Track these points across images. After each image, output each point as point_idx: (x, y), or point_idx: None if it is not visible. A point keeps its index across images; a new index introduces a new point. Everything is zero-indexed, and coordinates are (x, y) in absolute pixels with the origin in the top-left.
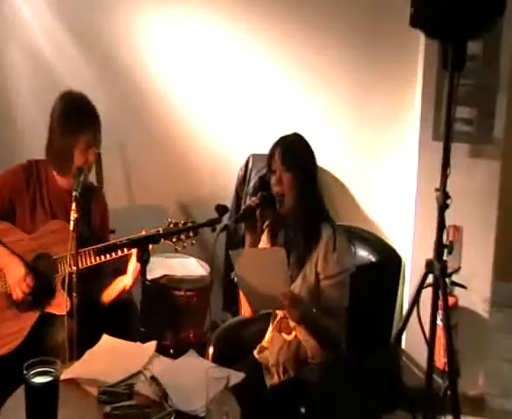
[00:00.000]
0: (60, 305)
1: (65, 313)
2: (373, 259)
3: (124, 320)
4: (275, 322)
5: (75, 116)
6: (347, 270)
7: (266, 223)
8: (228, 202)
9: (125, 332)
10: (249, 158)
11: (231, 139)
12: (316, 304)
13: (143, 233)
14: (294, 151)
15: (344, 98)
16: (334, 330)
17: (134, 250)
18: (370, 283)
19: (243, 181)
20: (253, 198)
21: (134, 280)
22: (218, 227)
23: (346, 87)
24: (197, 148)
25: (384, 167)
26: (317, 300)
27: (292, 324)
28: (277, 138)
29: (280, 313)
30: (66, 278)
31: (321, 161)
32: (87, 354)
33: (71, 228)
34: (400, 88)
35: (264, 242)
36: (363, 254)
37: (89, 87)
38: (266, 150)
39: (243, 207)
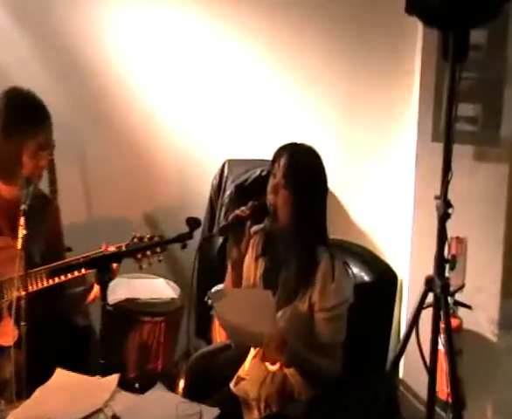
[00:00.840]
0: (7, 334)
1: (11, 344)
2: (366, 277)
3: (81, 351)
4: (257, 349)
5: (22, 115)
6: (346, 301)
7: (255, 228)
8: (200, 214)
9: (82, 364)
10: (224, 164)
11: (204, 142)
12: (308, 338)
13: (103, 250)
14: (300, 168)
15: (333, 96)
16: (328, 370)
17: (92, 271)
18: (363, 304)
19: (218, 190)
20: (243, 207)
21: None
22: (194, 240)
23: (335, 84)
24: (165, 153)
25: (377, 171)
26: (310, 334)
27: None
28: (287, 142)
29: None
30: (14, 304)
31: None
32: (39, 392)
33: (19, 246)
34: (395, 83)
35: (249, 257)
36: (355, 271)
37: (41, 85)
38: (243, 155)
39: (231, 216)
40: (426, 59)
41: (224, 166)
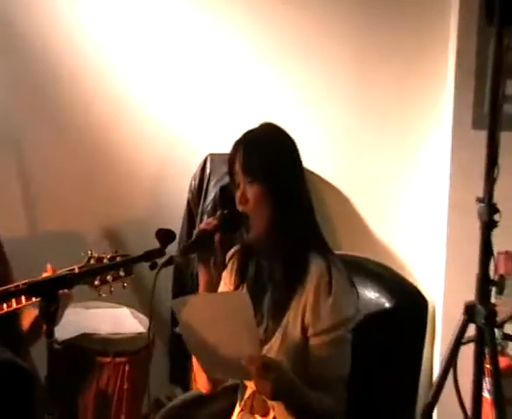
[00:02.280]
0: None
1: None
2: (387, 304)
3: (22, 402)
4: (245, 399)
5: None
6: (347, 322)
7: (231, 252)
8: (175, 224)
9: None
10: (206, 160)
11: (181, 133)
12: (301, 371)
13: (50, 273)
14: (260, 152)
15: (342, 75)
16: (326, 410)
17: (35, 300)
18: (383, 337)
19: (198, 193)
20: (209, 219)
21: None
22: (160, 262)
23: (344, 61)
24: (130, 149)
25: (401, 169)
26: (303, 366)
27: (270, 401)
28: (241, 134)
29: (251, 386)
30: None
31: (311, 163)
32: None
33: None
34: (424, 56)
35: (226, 282)
36: (372, 296)
37: None
38: (229, 148)
39: (195, 231)
40: (464, 24)
41: (205, 162)
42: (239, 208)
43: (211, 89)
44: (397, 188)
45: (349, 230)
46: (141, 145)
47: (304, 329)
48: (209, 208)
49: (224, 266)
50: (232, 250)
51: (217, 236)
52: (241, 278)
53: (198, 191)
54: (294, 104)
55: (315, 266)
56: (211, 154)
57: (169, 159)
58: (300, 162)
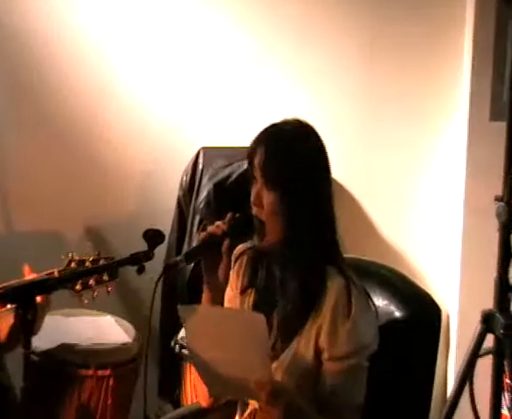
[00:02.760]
0: None
1: None
2: (397, 313)
3: None
4: (245, 416)
5: None
6: (365, 349)
7: (239, 249)
8: (165, 224)
9: None
10: (199, 154)
11: (171, 125)
12: (310, 392)
13: (27, 277)
14: (283, 159)
15: (351, 67)
16: None
17: (11, 306)
18: (393, 349)
19: (189, 190)
20: (218, 222)
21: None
22: (156, 261)
23: (353, 52)
24: (116, 142)
25: (413, 167)
26: (315, 390)
27: None
28: (265, 126)
29: (253, 404)
30: None
31: None
32: None
33: None
34: (438, 45)
35: (231, 284)
36: (381, 304)
37: None
38: (223, 141)
39: (201, 235)
40: (481, 9)
41: (198, 156)
42: (253, 209)
43: (204, 77)
44: (408, 188)
45: (357, 233)
46: (128, 137)
47: (318, 351)
48: (201, 206)
49: (227, 274)
50: (241, 247)
51: (225, 243)
52: (249, 282)
53: (190, 188)
54: (299, 98)
55: (333, 283)
56: (204, 148)
57: (158, 152)
58: (329, 169)
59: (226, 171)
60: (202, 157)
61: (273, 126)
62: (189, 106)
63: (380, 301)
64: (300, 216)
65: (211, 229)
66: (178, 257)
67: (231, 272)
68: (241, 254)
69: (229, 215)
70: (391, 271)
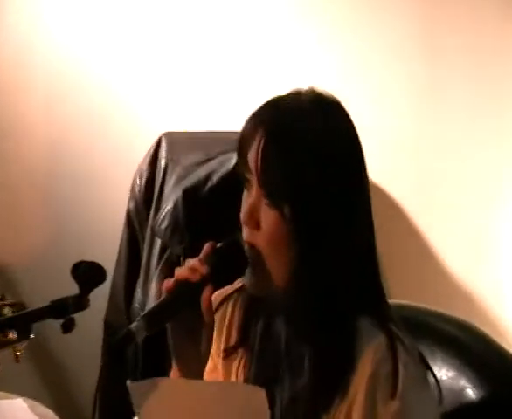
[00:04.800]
0: None
1: None
2: (471, 391)
3: None
4: None
5: None
6: None
7: (224, 292)
8: (107, 253)
9: None
10: (160, 143)
11: (118, 101)
12: None
13: None
14: (294, 158)
15: (407, 54)
16: None
17: None
18: None
19: (145, 200)
20: (192, 262)
21: None
22: (95, 311)
23: (410, 34)
24: (33, 128)
25: (485, 180)
26: None
27: None
28: (266, 99)
29: None
30: None
31: None
32: None
33: None
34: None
35: (213, 352)
36: (448, 377)
37: None
38: (197, 124)
39: (165, 286)
40: None
41: (158, 147)
42: (244, 232)
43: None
44: (486, 205)
45: (410, 267)
46: (50, 121)
47: None
48: (163, 226)
49: (211, 335)
50: (223, 291)
51: (206, 293)
52: (239, 340)
53: (146, 197)
54: (334, 85)
55: (370, 344)
56: (168, 134)
57: (96, 143)
58: (366, 170)
59: (202, 171)
60: (165, 148)
61: (279, 100)
62: (140, 74)
63: (445, 372)
64: (319, 246)
65: (180, 273)
66: (133, 325)
67: (215, 339)
68: (224, 300)
69: (207, 246)
70: (463, 326)
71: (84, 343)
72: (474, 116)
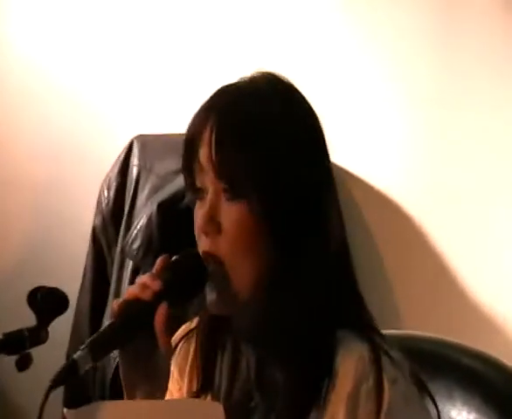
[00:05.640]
0: None
1: None
2: None
3: None
4: None
5: None
6: None
7: (182, 331)
8: (70, 277)
9: None
10: (131, 147)
11: (87, 102)
12: None
13: None
14: (252, 139)
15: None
16: None
17: None
18: None
19: (113, 215)
20: (144, 277)
21: None
22: (55, 345)
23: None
24: None
25: (505, 187)
26: None
27: None
28: (213, 91)
29: None
30: None
31: (364, 171)
32: None
33: None
34: None
35: (172, 387)
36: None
37: None
38: (172, 126)
39: (113, 306)
40: None
41: (130, 151)
42: (201, 243)
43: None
44: (498, 217)
45: (421, 284)
46: (13, 122)
47: None
48: (136, 245)
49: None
50: (184, 329)
51: (160, 311)
52: (203, 380)
53: (115, 212)
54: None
55: (350, 358)
56: (141, 137)
57: (57, 146)
58: (327, 158)
59: (181, 180)
60: (137, 154)
61: (230, 86)
62: (108, 70)
63: (466, 415)
64: (288, 245)
65: (130, 291)
66: (77, 355)
67: (172, 366)
68: (185, 338)
69: (159, 259)
70: (486, 359)
71: (41, 383)
72: (494, 122)
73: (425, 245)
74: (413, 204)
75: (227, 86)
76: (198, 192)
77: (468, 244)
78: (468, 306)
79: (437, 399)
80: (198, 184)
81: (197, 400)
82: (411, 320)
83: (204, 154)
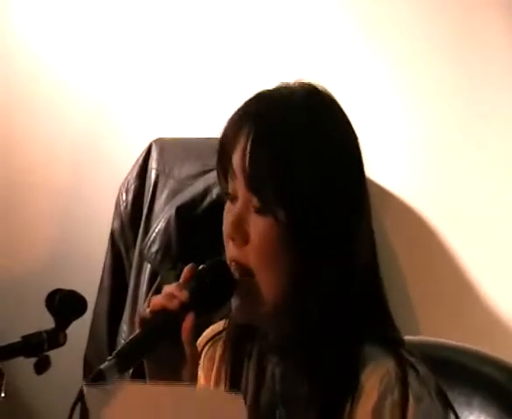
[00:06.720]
0: None
1: None
2: None
3: None
4: None
5: None
6: None
7: (207, 334)
8: (88, 280)
9: None
10: (150, 151)
11: (105, 108)
12: None
13: None
14: (286, 158)
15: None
16: None
17: None
18: None
19: (131, 219)
20: (170, 288)
21: None
22: (73, 350)
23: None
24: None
25: None
26: None
27: None
28: (250, 95)
29: None
30: None
31: (382, 176)
32: None
33: None
34: None
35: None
36: None
37: None
38: (191, 131)
39: (139, 318)
40: None
41: (149, 155)
42: (229, 249)
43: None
44: None
45: (441, 294)
46: (30, 127)
47: None
48: (154, 249)
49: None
50: (210, 331)
51: (187, 321)
52: (228, 384)
53: (133, 216)
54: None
55: (376, 372)
56: (159, 141)
57: (76, 151)
58: (362, 174)
59: (199, 184)
60: (155, 158)
61: (266, 94)
62: (127, 74)
63: (477, 417)
64: (319, 255)
65: (156, 301)
66: (104, 365)
67: (199, 373)
68: (211, 341)
69: (186, 269)
70: (505, 367)
71: (60, 386)
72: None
73: (442, 250)
74: (429, 209)
75: (264, 94)
76: (230, 194)
77: (487, 249)
78: (487, 312)
79: (455, 406)
80: (230, 190)
81: (218, 390)
82: (429, 327)
83: (237, 160)
